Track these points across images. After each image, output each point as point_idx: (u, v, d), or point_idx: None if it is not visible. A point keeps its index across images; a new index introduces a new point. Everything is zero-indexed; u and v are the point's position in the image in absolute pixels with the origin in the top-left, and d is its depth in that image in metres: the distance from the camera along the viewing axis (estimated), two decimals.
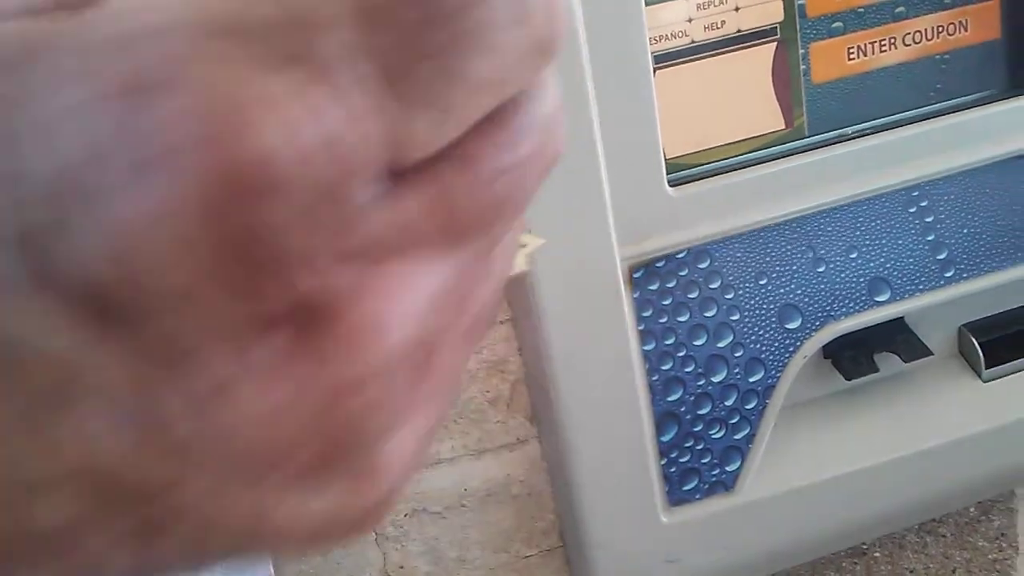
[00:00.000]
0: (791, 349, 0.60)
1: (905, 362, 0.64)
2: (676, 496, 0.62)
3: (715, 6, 0.57)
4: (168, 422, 0.11)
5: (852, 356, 0.65)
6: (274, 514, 0.12)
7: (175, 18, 0.10)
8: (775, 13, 0.58)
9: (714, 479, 0.62)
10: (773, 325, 0.60)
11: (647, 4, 0.54)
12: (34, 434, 0.10)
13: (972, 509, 0.75)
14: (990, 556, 0.73)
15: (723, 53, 0.58)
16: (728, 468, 0.62)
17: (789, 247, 0.60)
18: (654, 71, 0.55)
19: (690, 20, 0.57)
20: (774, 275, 0.60)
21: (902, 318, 0.65)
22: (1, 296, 0.10)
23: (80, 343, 0.10)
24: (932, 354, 0.64)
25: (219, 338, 0.11)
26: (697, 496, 0.62)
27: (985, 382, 0.66)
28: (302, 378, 0.11)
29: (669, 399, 0.60)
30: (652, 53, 0.55)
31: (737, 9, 0.57)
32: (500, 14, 0.11)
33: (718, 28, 0.57)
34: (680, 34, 0.57)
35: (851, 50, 0.60)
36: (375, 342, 0.11)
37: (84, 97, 0.10)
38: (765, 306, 0.60)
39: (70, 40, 0.10)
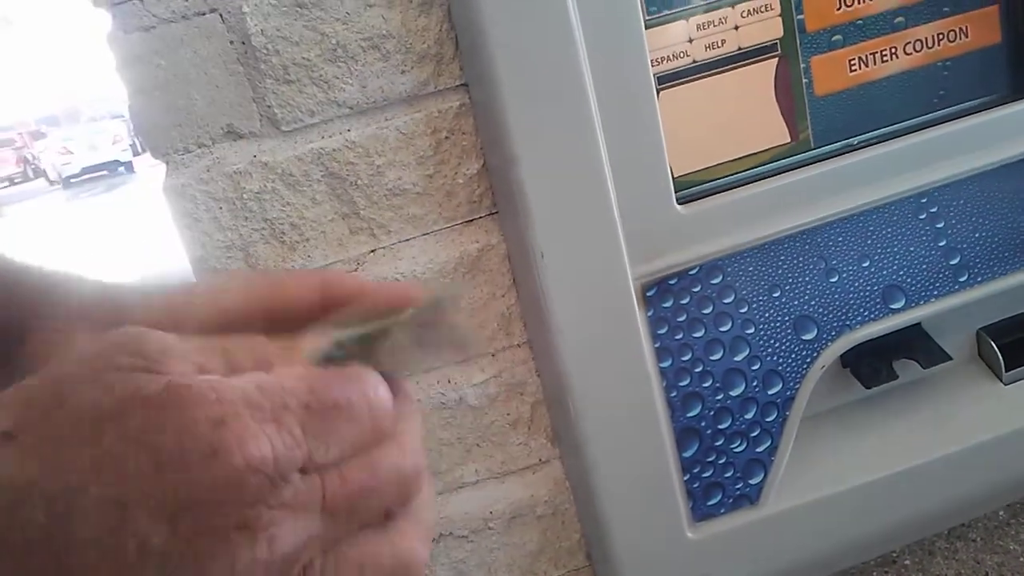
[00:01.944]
0: (808, 360, 0.61)
1: (924, 368, 0.64)
2: (701, 511, 0.62)
3: (715, 26, 0.58)
4: None
5: (871, 364, 0.65)
6: None
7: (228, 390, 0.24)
8: (774, 30, 0.59)
9: (738, 492, 0.62)
10: (789, 337, 0.60)
11: (647, 27, 0.55)
12: None
13: (1001, 512, 0.75)
14: (1021, 559, 0.73)
15: (725, 71, 0.59)
16: (752, 481, 0.62)
17: (801, 259, 0.60)
18: (658, 92, 0.56)
19: (691, 40, 0.58)
20: (787, 287, 0.60)
21: (919, 324, 0.65)
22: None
23: None
24: (951, 359, 0.64)
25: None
26: (722, 510, 0.62)
27: (1006, 384, 0.66)
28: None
29: (689, 415, 0.60)
30: (655, 74, 0.56)
31: (736, 28, 0.58)
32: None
33: (719, 47, 0.58)
34: (682, 54, 0.58)
35: (852, 62, 0.61)
36: (271, 546, 0.24)
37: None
38: (780, 318, 0.60)
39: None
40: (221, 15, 0.55)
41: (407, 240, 0.62)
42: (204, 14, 0.55)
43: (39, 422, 0.23)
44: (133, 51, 0.55)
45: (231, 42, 0.55)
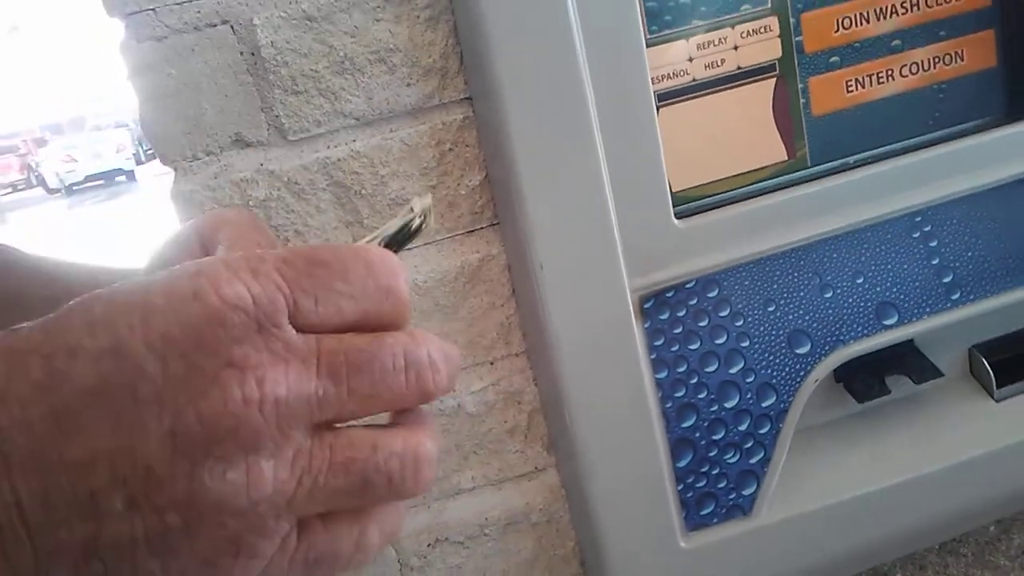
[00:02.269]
0: (802, 374, 0.62)
1: (916, 384, 0.65)
2: (694, 521, 0.63)
3: (715, 45, 0.59)
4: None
5: (864, 379, 0.66)
6: None
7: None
8: (773, 50, 0.60)
9: (731, 503, 0.63)
10: (783, 350, 0.61)
11: (648, 45, 0.57)
12: None
13: (992, 528, 0.75)
14: (1012, 575, 0.73)
15: (724, 90, 0.60)
16: (745, 492, 0.63)
17: (796, 274, 0.62)
18: (658, 109, 0.57)
19: (691, 59, 0.59)
20: (782, 302, 0.61)
21: (912, 341, 0.66)
22: None
23: None
24: (943, 375, 0.65)
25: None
26: (715, 520, 0.63)
27: (997, 401, 0.67)
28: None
29: (683, 425, 0.61)
30: (655, 91, 0.57)
31: (736, 48, 0.59)
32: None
33: (718, 66, 0.59)
34: (682, 73, 0.59)
35: (849, 83, 0.62)
36: (260, 384, 0.25)
37: None
38: (774, 332, 0.61)
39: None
40: (232, 27, 0.56)
41: (409, 249, 0.63)
42: (215, 25, 0.56)
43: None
44: (145, 60, 0.56)
45: (241, 53, 0.57)
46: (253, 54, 0.57)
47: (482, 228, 0.64)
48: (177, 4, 0.55)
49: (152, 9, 0.55)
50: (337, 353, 0.25)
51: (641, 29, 0.55)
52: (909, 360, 0.65)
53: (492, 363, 0.67)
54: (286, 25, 0.56)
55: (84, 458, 0.23)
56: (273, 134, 0.59)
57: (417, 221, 0.31)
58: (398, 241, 0.31)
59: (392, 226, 0.31)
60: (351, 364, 0.26)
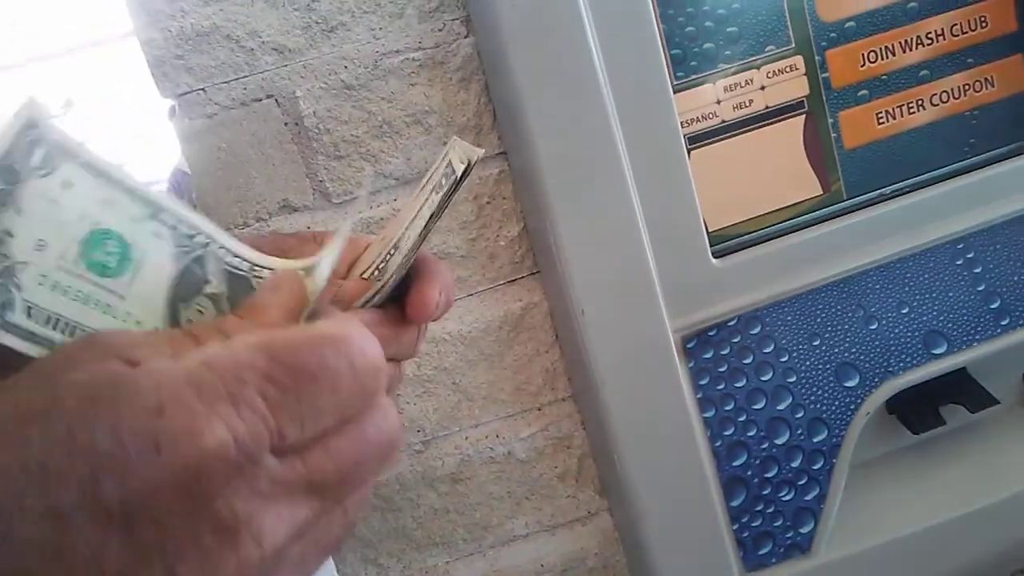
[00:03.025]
0: (852, 407, 0.61)
1: (972, 412, 0.63)
2: (752, 561, 0.62)
3: (741, 87, 0.60)
4: None
5: (917, 410, 0.65)
6: None
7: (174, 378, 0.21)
8: (800, 88, 0.61)
9: (789, 542, 0.62)
10: (831, 384, 0.61)
11: (676, 91, 0.58)
12: None
13: None
14: None
15: (754, 129, 0.61)
16: (802, 530, 0.62)
17: (839, 307, 0.61)
18: (688, 152, 0.59)
19: (718, 102, 0.60)
20: (827, 335, 0.61)
21: (964, 369, 0.65)
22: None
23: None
24: (999, 402, 0.63)
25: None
26: (773, 560, 0.62)
27: None
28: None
29: (734, 464, 0.61)
30: (685, 135, 0.58)
31: (763, 88, 0.60)
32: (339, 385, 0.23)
33: (746, 107, 0.60)
34: (711, 115, 0.60)
35: (880, 115, 0.62)
36: (259, 542, 0.21)
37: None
38: (821, 366, 0.61)
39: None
40: (276, 100, 0.59)
41: (454, 300, 0.65)
42: (261, 100, 0.59)
43: None
44: (197, 136, 0.59)
45: (285, 124, 0.60)
46: (297, 124, 0.60)
47: (523, 277, 0.66)
48: (225, 83, 0.58)
49: (202, 89, 0.58)
50: (325, 472, 0.23)
51: (667, 76, 0.56)
52: (963, 389, 0.64)
53: (539, 409, 0.68)
54: (327, 95, 0.59)
55: None
56: (318, 198, 0.62)
57: (460, 171, 0.33)
58: (448, 203, 0.34)
59: (438, 182, 0.34)
60: (340, 474, 0.23)
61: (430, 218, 0.33)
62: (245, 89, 0.59)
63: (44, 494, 0.19)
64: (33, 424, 0.19)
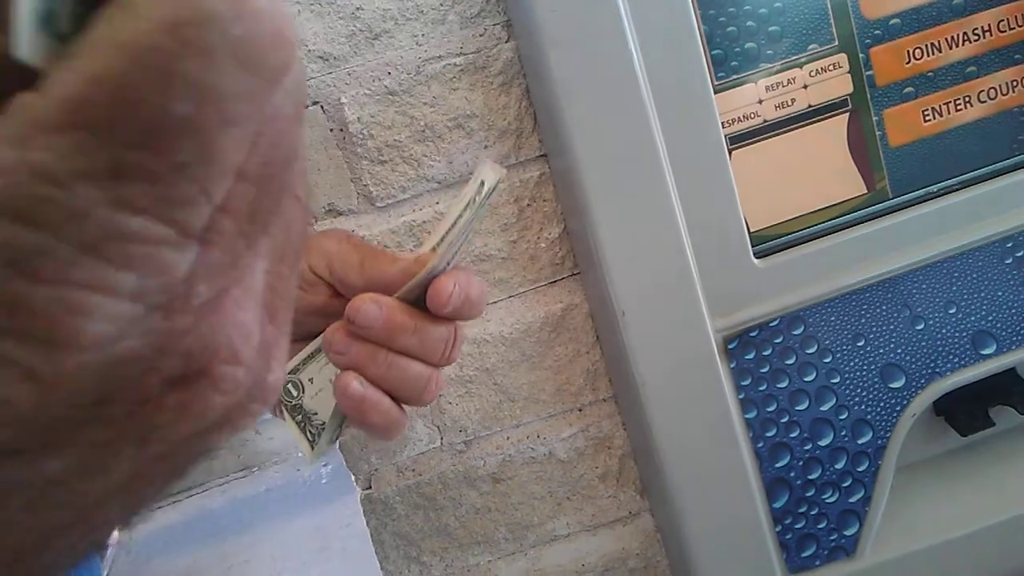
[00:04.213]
0: (898, 408, 0.60)
1: (1022, 414, 0.62)
2: (795, 563, 0.62)
3: (783, 86, 0.60)
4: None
5: (965, 411, 0.64)
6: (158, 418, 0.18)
7: None
8: (844, 86, 0.60)
9: (833, 544, 0.61)
10: (876, 385, 0.60)
11: (716, 91, 0.58)
12: None
13: None
14: None
15: (797, 128, 0.61)
16: (847, 532, 0.62)
17: (884, 307, 0.61)
18: (730, 152, 0.58)
19: (760, 101, 0.60)
20: (871, 336, 0.60)
21: (1014, 370, 0.64)
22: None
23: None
24: None
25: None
26: (817, 563, 0.62)
27: None
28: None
29: (777, 465, 0.60)
30: (726, 135, 0.58)
31: (806, 87, 0.60)
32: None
33: (789, 106, 0.60)
34: (752, 115, 0.60)
35: (926, 112, 0.62)
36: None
37: None
38: (866, 367, 0.60)
39: None
40: (322, 107, 0.60)
41: (495, 303, 0.66)
42: (307, 106, 0.60)
43: None
44: None
45: (331, 130, 0.61)
46: (342, 130, 0.61)
47: (563, 278, 0.66)
48: None
49: None
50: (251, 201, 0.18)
51: (708, 77, 0.56)
52: (1013, 390, 0.63)
53: (580, 409, 0.68)
54: (370, 101, 0.60)
55: None
56: (362, 202, 0.63)
57: (488, 189, 0.36)
58: (479, 219, 0.37)
59: (469, 200, 0.36)
60: (266, 188, 0.18)
61: (452, 231, 0.37)
62: None
63: None
64: None
